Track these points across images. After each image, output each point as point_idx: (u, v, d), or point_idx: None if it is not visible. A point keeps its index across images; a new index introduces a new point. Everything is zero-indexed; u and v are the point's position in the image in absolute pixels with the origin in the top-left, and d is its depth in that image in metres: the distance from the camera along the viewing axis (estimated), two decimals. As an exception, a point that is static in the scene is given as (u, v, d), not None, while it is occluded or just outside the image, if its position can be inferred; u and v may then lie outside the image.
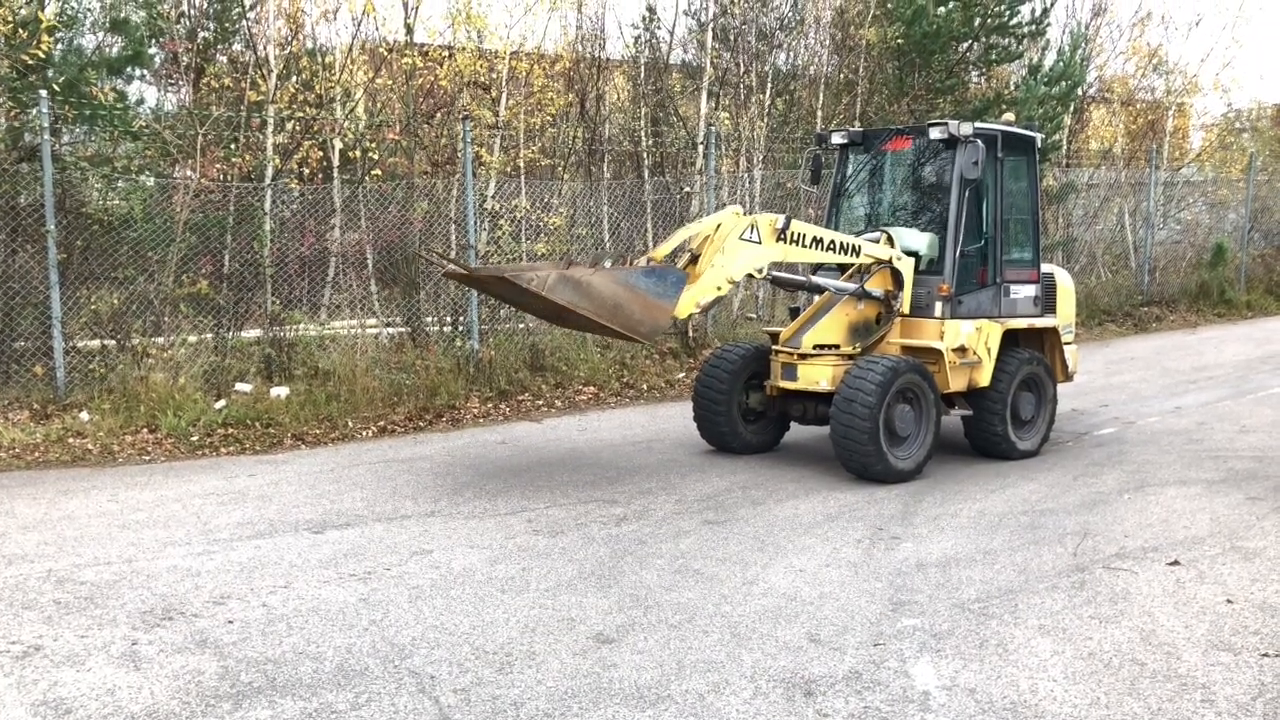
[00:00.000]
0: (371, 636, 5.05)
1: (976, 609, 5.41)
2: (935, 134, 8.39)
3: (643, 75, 15.80)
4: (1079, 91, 19.12)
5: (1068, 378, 9.49)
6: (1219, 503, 7.42)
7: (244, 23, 13.57)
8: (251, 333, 11.02)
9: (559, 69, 15.27)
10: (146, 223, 10.53)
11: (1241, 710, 4.31)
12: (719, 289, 7.74)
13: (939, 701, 4.38)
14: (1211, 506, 7.33)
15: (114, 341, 10.08)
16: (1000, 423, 8.61)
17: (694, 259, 7.67)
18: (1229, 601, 5.50)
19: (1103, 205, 19.78)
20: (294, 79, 12.91)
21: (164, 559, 6.19)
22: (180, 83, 13.37)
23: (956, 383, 8.42)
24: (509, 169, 13.80)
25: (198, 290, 10.80)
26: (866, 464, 7.81)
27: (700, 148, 14.29)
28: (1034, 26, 17.79)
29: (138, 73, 12.08)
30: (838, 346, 8.41)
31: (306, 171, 12.88)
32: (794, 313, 9.29)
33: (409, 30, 13.16)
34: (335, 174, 12.53)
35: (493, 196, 12.95)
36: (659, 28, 16.35)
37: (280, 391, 10.07)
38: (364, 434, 9.72)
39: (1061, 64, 17.69)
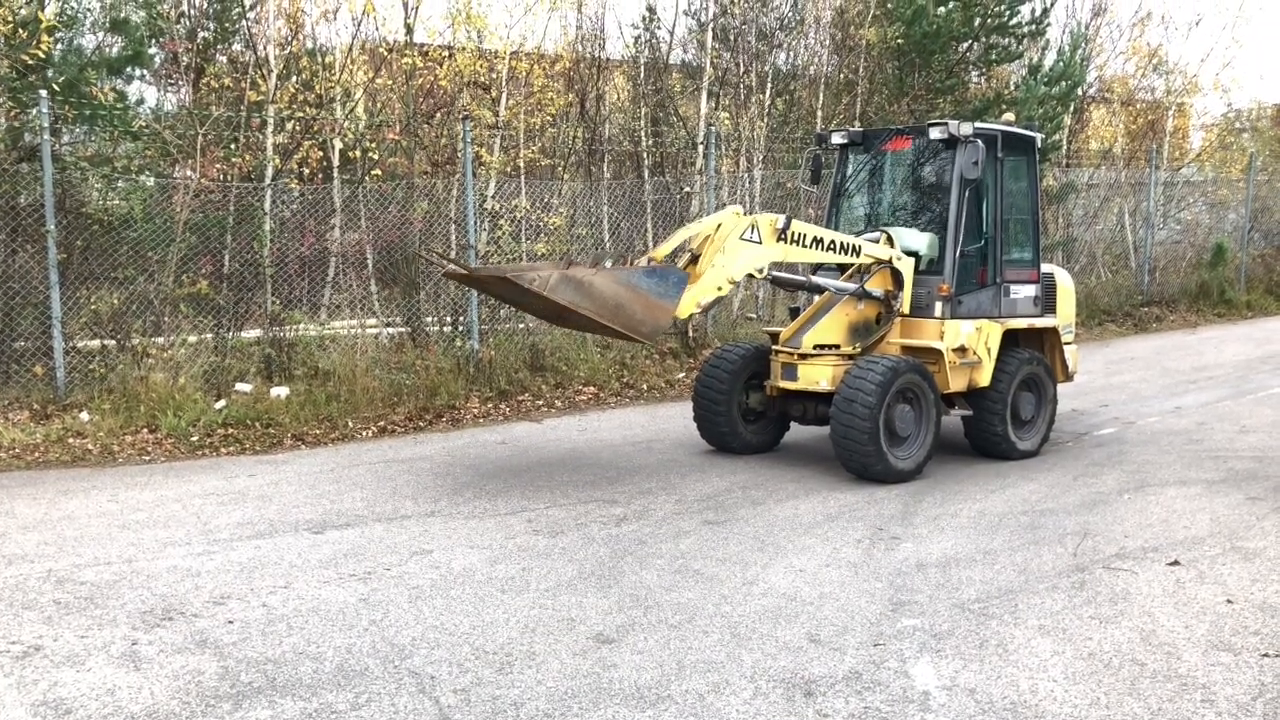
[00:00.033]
0: (371, 636, 5.05)
1: (976, 609, 5.42)
2: (935, 134, 8.39)
3: (643, 75, 15.80)
4: (1079, 91, 19.12)
5: (1068, 378, 9.49)
6: (1219, 503, 7.42)
7: (244, 23, 13.58)
8: (251, 333, 11.02)
9: (559, 69, 15.27)
10: (146, 223, 10.53)
11: (1241, 710, 4.31)
12: (720, 289, 7.75)
13: (939, 702, 4.38)
14: (1211, 506, 7.33)
15: (114, 341, 10.08)
16: (1000, 423, 8.61)
17: (694, 259, 7.67)
18: (1229, 602, 5.50)
19: (1103, 205, 19.78)
20: (294, 79, 12.92)
21: (164, 559, 6.19)
22: (180, 83, 13.37)
23: (956, 383, 8.42)
24: (509, 169, 13.80)
25: (198, 290, 10.80)
26: (866, 464, 7.81)
27: (700, 148, 14.30)
28: (1034, 26, 17.80)
29: (138, 73, 12.08)
30: (838, 346, 8.41)
31: (306, 171, 12.88)
32: (794, 313, 9.29)
33: (409, 30, 13.17)
34: (335, 174, 12.53)
35: (493, 196, 12.95)
36: (659, 28, 16.38)
37: (280, 391, 10.07)
38: (364, 434, 9.72)
39: (1061, 64, 17.69)
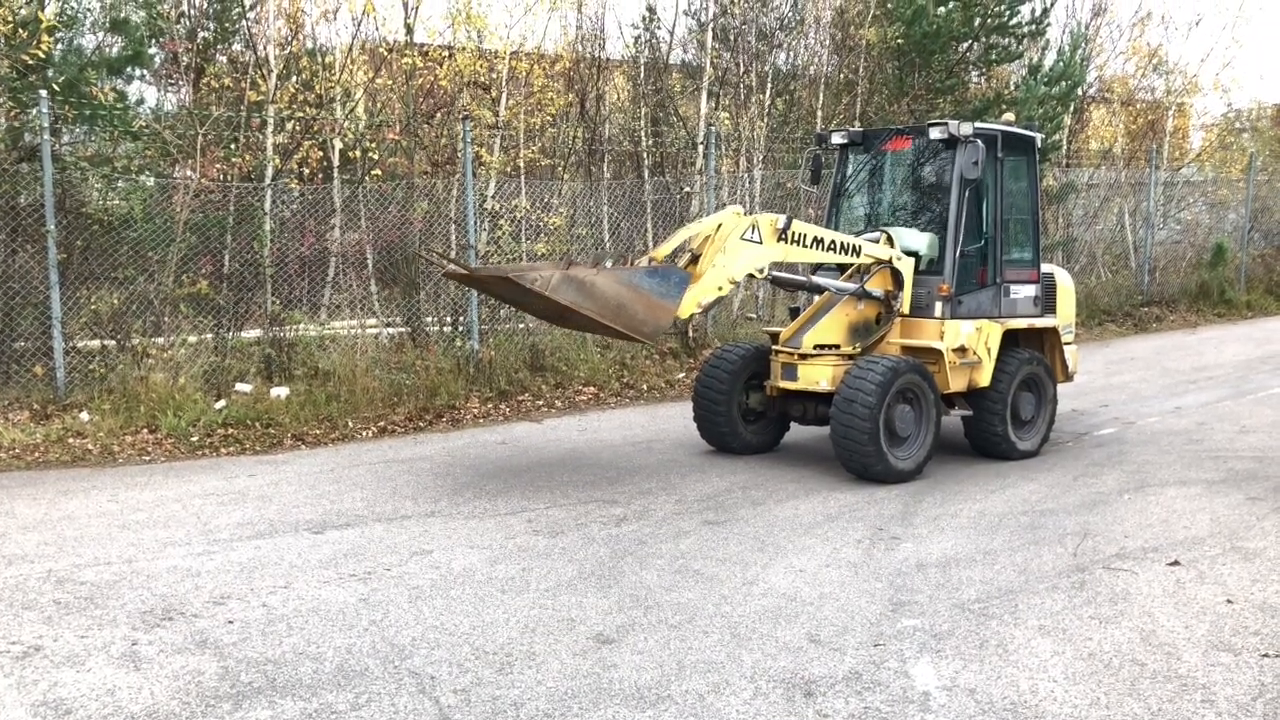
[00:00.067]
0: (371, 637, 5.05)
1: (976, 609, 5.42)
2: (935, 134, 8.39)
3: (643, 75, 15.80)
4: (1079, 91, 19.12)
5: (1068, 378, 9.49)
6: (1219, 503, 7.42)
7: (244, 23, 13.58)
8: (251, 333, 11.02)
9: (559, 69, 15.27)
10: (146, 223, 10.53)
11: (1241, 711, 4.31)
12: (720, 289, 7.75)
13: (939, 702, 4.38)
14: (1211, 507, 7.33)
15: (114, 341, 10.08)
16: (1000, 423, 8.61)
17: (694, 259, 7.66)
18: (1229, 602, 5.50)
19: (1103, 205, 19.78)
20: (294, 79, 12.92)
21: (164, 559, 6.19)
22: (180, 83, 13.37)
23: (956, 383, 8.42)
24: (509, 169, 13.80)
25: (198, 290, 10.80)
26: (867, 464, 7.81)
27: (700, 148, 14.30)
28: (1034, 26, 17.80)
29: (138, 73, 12.08)
30: (838, 347, 8.41)
31: (306, 171, 12.88)
32: (794, 313, 9.29)
33: (409, 30, 13.17)
34: (335, 174, 12.53)
35: (493, 196, 12.95)
36: (659, 28, 16.38)
37: (280, 392, 10.07)
38: (364, 434, 9.72)
39: (1061, 64, 17.69)
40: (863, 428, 7.67)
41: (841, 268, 8.55)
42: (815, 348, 8.33)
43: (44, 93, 9.55)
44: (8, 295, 9.62)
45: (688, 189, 14.16)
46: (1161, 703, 4.38)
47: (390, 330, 11.70)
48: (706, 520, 7.01)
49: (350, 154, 12.56)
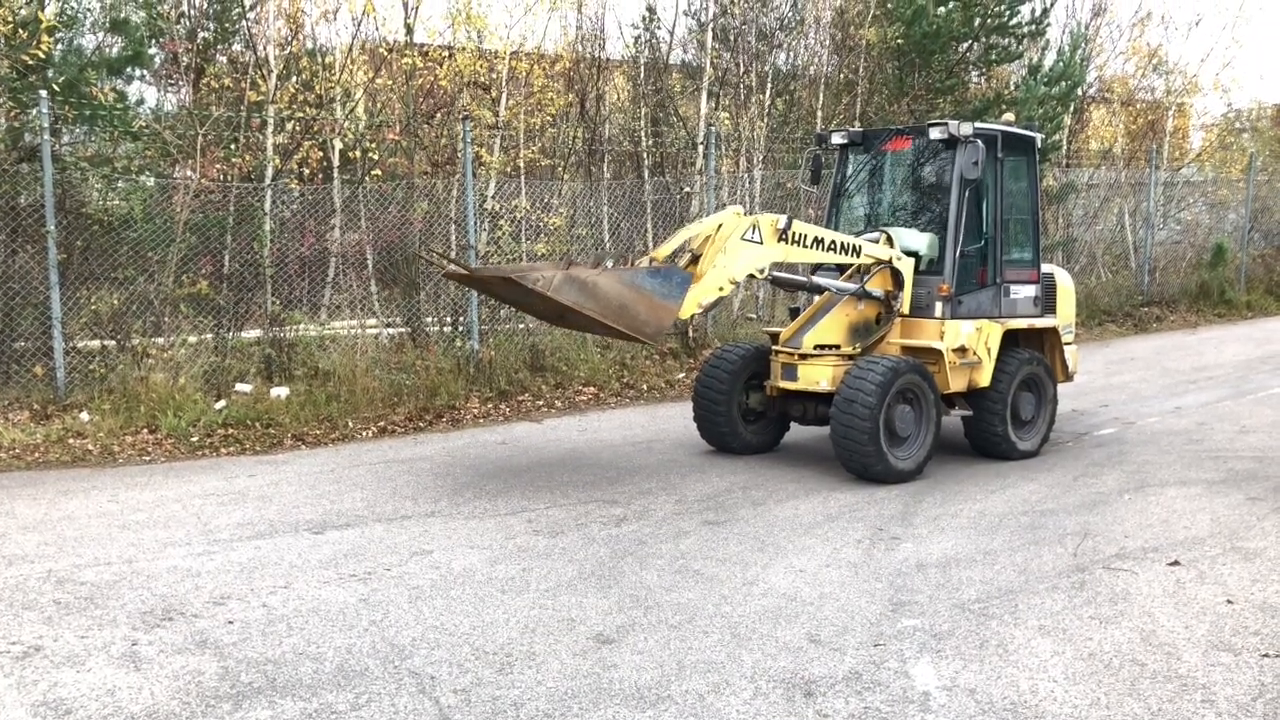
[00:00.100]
0: (371, 637, 5.05)
1: (977, 609, 5.41)
2: (935, 134, 8.39)
3: (643, 75, 15.80)
4: (1079, 91, 19.12)
5: (1068, 378, 9.49)
6: (1219, 503, 7.42)
7: (244, 23, 13.57)
8: (251, 333, 11.02)
9: (559, 69, 15.28)
10: (146, 223, 10.53)
11: (1242, 711, 4.31)
12: (721, 289, 7.74)
13: (939, 702, 4.38)
14: (1212, 507, 7.33)
15: (114, 342, 10.08)
16: (1000, 423, 8.61)
17: (695, 259, 7.66)
18: (1229, 602, 5.50)
19: (1103, 205, 19.79)
20: (294, 79, 12.92)
21: (164, 559, 6.19)
22: (180, 83, 13.37)
23: (956, 383, 8.42)
24: (509, 169, 13.81)
25: (198, 290, 10.80)
26: (867, 464, 7.81)
27: (700, 148, 14.30)
28: (1034, 26, 17.80)
29: (138, 73, 12.08)
30: (838, 347, 8.41)
31: (306, 171, 12.88)
32: (794, 313, 9.29)
33: (409, 30, 13.17)
34: (335, 174, 12.53)
35: (493, 196, 12.95)
36: (659, 28, 16.38)
37: (280, 392, 10.07)
38: (364, 434, 9.72)
39: (1061, 64, 17.69)
40: (863, 428, 7.67)
41: (841, 268, 8.55)
42: (815, 348, 8.33)
43: (44, 93, 9.55)
44: (8, 295, 9.62)
45: (688, 189, 14.16)
46: (1161, 703, 4.38)
47: (390, 330, 11.70)
48: (706, 520, 7.01)
49: (350, 154, 12.56)
